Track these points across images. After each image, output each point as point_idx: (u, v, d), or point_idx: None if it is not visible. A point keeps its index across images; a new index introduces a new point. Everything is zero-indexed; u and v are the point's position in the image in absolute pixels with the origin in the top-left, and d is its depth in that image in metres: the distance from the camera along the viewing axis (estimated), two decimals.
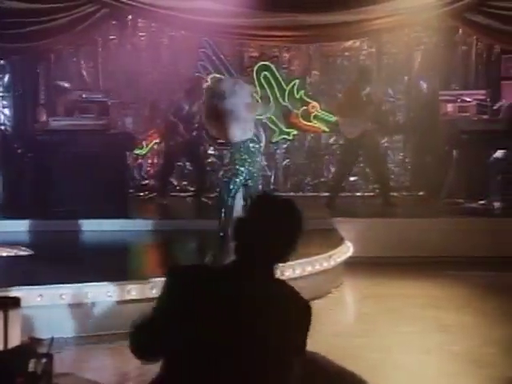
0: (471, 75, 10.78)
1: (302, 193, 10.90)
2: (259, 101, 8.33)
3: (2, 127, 10.32)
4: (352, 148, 9.40)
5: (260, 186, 6.83)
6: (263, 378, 2.36)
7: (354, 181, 10.90)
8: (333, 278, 6.91)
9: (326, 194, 9.93)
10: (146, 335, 2.42)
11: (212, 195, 10.17)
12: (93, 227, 8.14)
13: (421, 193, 10.68)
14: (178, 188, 10.98)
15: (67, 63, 10.75)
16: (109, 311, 5.35)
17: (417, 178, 10.95)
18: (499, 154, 9.09)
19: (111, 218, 8.23)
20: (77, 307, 5.31)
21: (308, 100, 11.07)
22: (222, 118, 6.03)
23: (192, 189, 10.67)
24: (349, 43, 11.09)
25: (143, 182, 11.07)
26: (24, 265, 6.59)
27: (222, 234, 6.09)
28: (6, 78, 10.44)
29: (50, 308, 5.18)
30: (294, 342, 2.43)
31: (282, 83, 11.08)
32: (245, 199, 6.11)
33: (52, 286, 5.35)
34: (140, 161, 11.07)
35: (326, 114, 10.91)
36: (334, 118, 10.38)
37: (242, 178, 6.13)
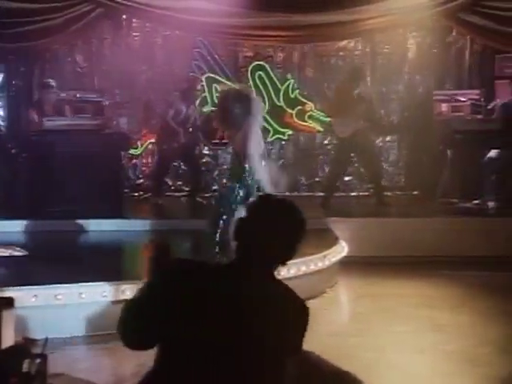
0: (465, 75, 10.79)
1: (297, 193, 10.89)
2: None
3: None
4: (344, 147, 9.40)
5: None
6: (260, 378, 2.37)
7: (348, 181, 10.92)
8: (327, 277, 6.92)
9: (321, 193, 9.94)
10: (135, 322, 2.40)
11: (207, 195, 10.22)
12: (88, 227, 8.16)
13: (415, 192, 10.70)
14: (172, 188, 10.97)
15: (62, 63, 10.74)
16: (104, 311, 5.34)
17: (411, 177, 10.96)
18: (493, 153, 9.09)
19: (106, 217, 8.22)
20: (71, 307, 5.31)
21: (303, 100, 11.08)
22: (242, 127, 5.93)
23: (187, 189, 10.67)
24: (343, 43, 11.12)
25: (138, 182, 11.06)
26: (18, 265, 6.59)
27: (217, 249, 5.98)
28: (0, 78, 10.40)
29: (44, 308, 5.18)
30: (290, 342, 2.44)
31: (277, 83, 11.08)
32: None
33: (47, 286, 5.35)
34: (135, 161, 11.07)
35: (321, 113, 10.93)
36: (328, 118, 10.39)
37: (242, 194, 6.08)
